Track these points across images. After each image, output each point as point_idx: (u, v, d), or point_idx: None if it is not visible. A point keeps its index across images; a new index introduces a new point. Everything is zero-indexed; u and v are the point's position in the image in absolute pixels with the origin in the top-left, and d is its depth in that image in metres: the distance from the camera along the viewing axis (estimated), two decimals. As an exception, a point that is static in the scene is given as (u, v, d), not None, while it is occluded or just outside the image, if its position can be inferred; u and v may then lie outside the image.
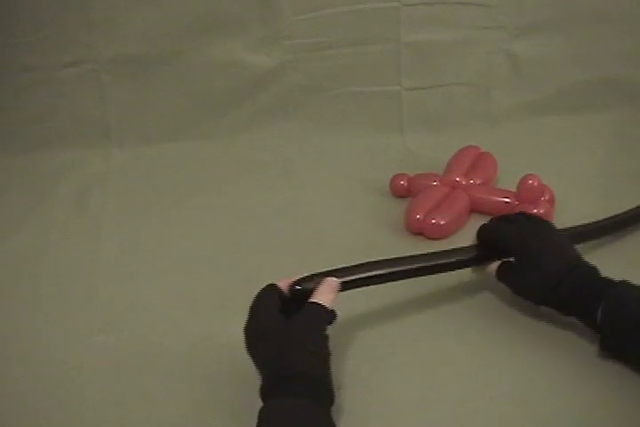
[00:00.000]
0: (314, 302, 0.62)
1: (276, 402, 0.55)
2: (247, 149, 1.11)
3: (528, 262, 0.68)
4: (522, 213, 0.76)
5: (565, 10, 1.08)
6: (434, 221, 0.86)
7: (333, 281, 0.65)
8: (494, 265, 0.72)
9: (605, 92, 1.14)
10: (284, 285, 0.65)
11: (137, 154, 1.10)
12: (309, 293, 0.63)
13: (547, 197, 0.88)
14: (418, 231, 0.88)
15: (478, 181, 0.94)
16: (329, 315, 0.62)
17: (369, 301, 0.75)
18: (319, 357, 0.58)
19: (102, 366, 0.69)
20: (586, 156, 1.05)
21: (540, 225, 0.72)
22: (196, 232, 0.92)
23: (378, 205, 0.96)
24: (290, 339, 0.58)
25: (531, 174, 0.87)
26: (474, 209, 0.92)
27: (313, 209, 0.96)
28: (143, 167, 1.08)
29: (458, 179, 0.94)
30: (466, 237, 0.76)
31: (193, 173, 1.06)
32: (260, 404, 0.55)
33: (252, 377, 0.59)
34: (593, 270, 0.67)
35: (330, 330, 0.61)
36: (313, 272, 0.66)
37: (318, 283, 0.64)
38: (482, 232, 0.74)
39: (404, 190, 0.97)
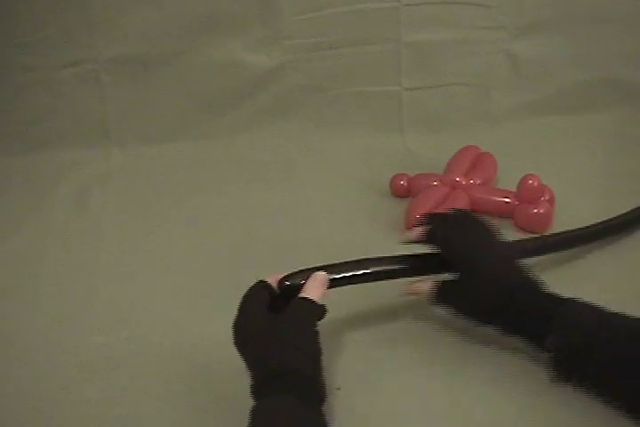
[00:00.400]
0: (303, 298, 0.61)
1: (264, 401, 0.55)
2: (247, 149, 1.11)
3: (471, 279, 0.63)
4: (466, 215, 0.70)
5: (565, 10, 1.08)
6: (434, 221, 0.86)
7: (322, 276, 0.63)
8: (424, 286, 0.68)
9: (605, 92, 1.14)
10: (273, 280, 0.63)
11: (137, 154, 1.10)
12: (298, 288, 0.62)
13: (547, 197, 0.88)
14: (418, 231, 0.88)
15: (478, 181, 0.94)
16: (319, 310, 0.61)
17: (369, 300, 0.75)
18: (308, 353, 0.57)
19: (102, 366, 0.69)
20: (586, 156, 1.05)
21: (485, 233, 0.67)
22: (196, 232, 0.92)
23: (378, 205, 0.96)
24: (278, 336, 0.57)
25: (531, 174, 0.87)
26: (474, 209, 0.91)
27: (313, 209, 0.96)
28: (143, 167, 1.08)
29: (458, 179, 0.93)
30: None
31: (193, 173, 1.06)
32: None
33: (251, 377, 0.59)
34: (540, 286, 0.62)
35: (329, 330, 0.60)
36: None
37: (307, 278, 0.63)
38: (429, 238, 0.68)
39: (404, 190, 0.97)
